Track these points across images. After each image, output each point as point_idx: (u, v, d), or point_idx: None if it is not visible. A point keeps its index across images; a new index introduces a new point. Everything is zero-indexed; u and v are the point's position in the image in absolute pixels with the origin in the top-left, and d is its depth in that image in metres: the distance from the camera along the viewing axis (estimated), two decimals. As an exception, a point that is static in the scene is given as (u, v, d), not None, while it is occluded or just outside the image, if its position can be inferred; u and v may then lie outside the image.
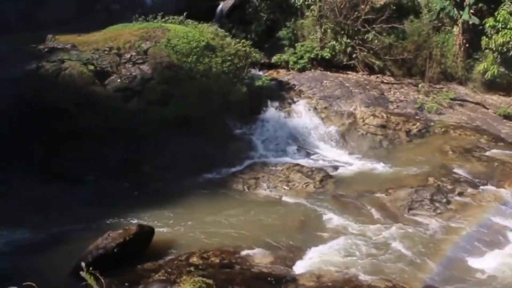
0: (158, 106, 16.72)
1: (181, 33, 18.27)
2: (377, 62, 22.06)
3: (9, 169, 14.59)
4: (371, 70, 22.36)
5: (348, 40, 22.08)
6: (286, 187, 15.19)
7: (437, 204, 13.68)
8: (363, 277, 10.46)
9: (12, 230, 12.48)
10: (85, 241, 11.42)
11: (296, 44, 22.60)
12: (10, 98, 15.39)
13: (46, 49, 17.20)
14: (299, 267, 10.90)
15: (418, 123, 18.94)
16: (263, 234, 12.42)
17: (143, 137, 16.00)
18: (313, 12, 22.56)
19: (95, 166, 15.32)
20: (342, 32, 22.20)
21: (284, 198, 14.68)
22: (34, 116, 15.18)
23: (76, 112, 15.61)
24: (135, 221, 12.62)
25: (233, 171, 16.24)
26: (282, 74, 21.75)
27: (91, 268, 6.84)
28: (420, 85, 21.38)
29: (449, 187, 14.51)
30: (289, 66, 22.18)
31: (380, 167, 16.72)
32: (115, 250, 10.70)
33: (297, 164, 16.44)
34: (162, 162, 15.90)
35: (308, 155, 17.65)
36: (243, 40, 20.37)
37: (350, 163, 17.15)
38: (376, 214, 13.53)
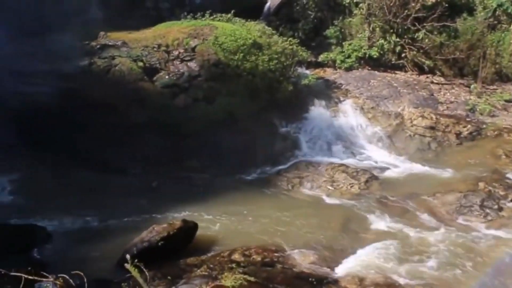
0: (205, 103, 16.93)
1: (229, 31, 18.38)
2: (427, 62, 21.51)
3: (62, 160, 15.28)
4: (420, 70, 21.82)
5: (397, 39, 21.63)
6: (330, 187, 15.06)
7: (487, 211, 13.20)
8: (406, 282, 10.24)
9: (63, 219, 13.00)
10: (131, 232, 11.74)
11: (343, 43, 22.33)
12: (65, 93, 16.04)
13: (98, 46, 17.77)
14: (341, 269, 10.79)
15: (469, 125, 18.33)
16: (305, 234, 12.38)
17: (189, 133, 16.26)
18: (361, 10, 22.23)
19: (143, 160, 15.72)
20: (391, 30, 21.76)
21: (328, 199, 14.57)
22: (86, 111, 15.74)
23: (125, 107, 16.04)
24: (179, 216, 12.81)
25: (278, 170, 16.27)
26: (328, 73, 21.55)
27: (136, 260, 7.02)
28: (472, 86, 20.68)
29: (502, 193, 13.96)
30: (336, 65, 21.94)
31: (427, 170, 16.30)
32: (159, 243, 10.92)
33: (342, 165, 16.27)
34: (207, 158, 16.12)
35: (353, 155, 17.44)
36: (290, 38, 20.31)
37: (396, 165, 16.82)
38: (422, 218, 13.21)
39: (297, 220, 13.17)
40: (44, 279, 5.61)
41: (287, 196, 14.83)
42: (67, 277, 6.19)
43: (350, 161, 16.98)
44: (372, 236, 12.31)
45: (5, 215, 13.05)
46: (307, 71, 21.29)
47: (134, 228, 12.15)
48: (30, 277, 4.71)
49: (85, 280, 6.37)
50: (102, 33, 18.81)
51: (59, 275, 6.42)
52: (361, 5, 22.21)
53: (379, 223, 12.86)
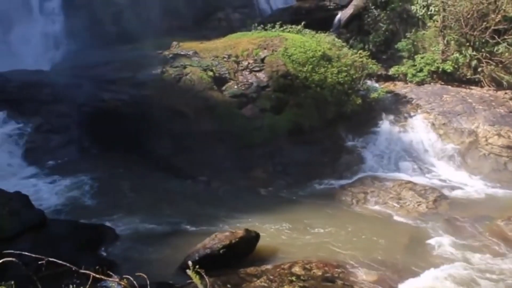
0: (272, 114, 17.04)
1: (298, 42, 18.43)
2: (506, 77, 20.37)
3: (134, 163, 15.93)
4: (498, 85, 20.71)
5: (474, 53, 20.70)
6: (396, 205, 14.62)
7: None
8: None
9: (130, 220, 13.50)
10: (194, 238, 11.99)
11: (415, 56, 21.68)
12: (138, 100, 16.76)
13: (170, 55, 18.42)
14: (404, 291, 10.42)
15: (551, 147, 17.17)
16: (368, 251, 12.06)
17: (255, 143, 16.42)
18: (436, 22, 21.51)
19: (209, 167, 16.03)
20: (467, 44, 20.88)
21: (393, 216, 14.13)
22: (158, 117, 16.35)
23: (194, 115, 16.48)
24: (242, 225, 12.91)
25: (343, 184, 16.01)
26: (399, 87, 20.99)
27: (197, 267, 7.13)
28: (556, 105, 19.38)
29: None
30: (407, 78, 21.33)
31: (502, 192, 15.43)
32: (221, 251, 11.05)
33: (410, 182, 15.74)
34: (272, 169, 16.19)
35: (422, 172, 16.82)
36: (360, 51, 20.04)
37: (468, 185, 16.03)
38: (493, 243, 12.46)
39: (360, 236, 12.88)
40: (109, 279, 5.81)
41: (351, 211, 14.55)
42: (131, 278, 6.37)
43: (418, 178, 16.39)
44: (437, 258, 11.79)
45: (77, 214, 13.77)
46: (377, 85, 20.85)
47: (197, 234, 12.41)
48: (97, 275, 4.90)
49: (148, 282, 6.53)
50: (174, 42, 19.49)
51: (124, 276, 6.63)
52: (435, 17, 21.50)
53: (446, 245, 12.28)
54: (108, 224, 13.14)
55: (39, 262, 4.44)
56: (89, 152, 17.83)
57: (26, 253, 4.83)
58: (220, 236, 11.43)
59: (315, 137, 17.02)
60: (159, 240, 12.53)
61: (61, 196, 15.03)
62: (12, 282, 4.61)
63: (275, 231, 13.00)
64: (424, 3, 21.66)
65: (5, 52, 20.94)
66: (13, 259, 4.51)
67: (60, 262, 4.36)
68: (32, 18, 22.27)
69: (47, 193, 15.20)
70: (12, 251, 4.83)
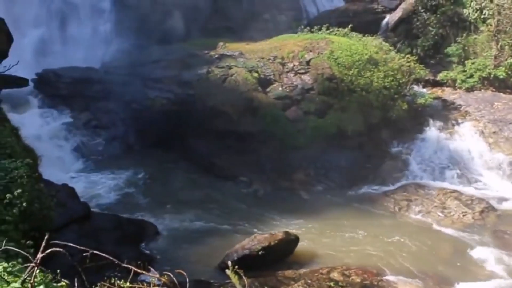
0: (316, 117, 16.92)
1: (345, 45, 18.23)
2: None
3: (177, 161, 16.19)
4: (556, 93, 19.82)
5: (530, 59, 19.88)
6: (440, 214, 14.21)
7: None
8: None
9: (172, 217, 13.75)
10: (233, 238, 12.09)
11: (466, 61, 21.01)
12: (183, 98, 17.02)
13: (216, 56, 18.59)
14: (446, 303, 10.12)
15: None
16: (409, 261, 11.79)
17: (298, 145, 16.35)
18: (489, 26, 20.77)
19: (250, 167, 16.09)
20: (523, 49, 20.07)
21: (437, 226, 13.75)
22: (202, 116, 16.55)
23: (238, 115, 16.56)
24: (281, 227, 12.89)
25: (385, 190, 15.72)
26: (447, 93, 20.40)
27: (236, 267, 7.16)
28: None
29: None
30: (456, 84, 20.70)
31: (556, 206, 14.74)
32: (259, 252, 11.07)
33: (455, 191, 15.28)
34: (314, 172, 16.07)
35: (468, 182, 16.27)
36: (407, 55, 19.60)
37: (518, 197, 15.40)
38: (544, 259, 11.93)
39: (401, 244, 12.61)
40: (150, 274, 5.91)
41: (393, 218, 14.26)
42: (171, 275, 6.47)
43: (464, 188, 15.88)
44: (483, 272, 11.39)
45: (120, 208, 14.13)
46: (424, 90, 20.35)
47: (236, 234, 12.49)
48: (139, 270, 4.99)
49: (187, 280, 6.61)
50: (221, 43, 19.65)
51: (164, 272, 6.73)
52: (489, 21, 20.76)
53: (492, 259, 11.84)
54: (149, 220, 13.40)
55: (84, 254, 4.56)
56: (133, 149, 18.27)
57: (72, 245, 4.97)
58: (259, 237, 11.45)
59: (358, 142, 16.79)
60: (198, 238, 12.68)
61: (105, 190, 15.46)
62: (58, 271, 4.75)
63: (314, 235, 12.91)
64: (478, 6, 20.97)
65: (58, 50, 21.73)
66: (61, 249, 4.65)
67: (104, 255, 4.47)
68: (84, 17, 22.97)
69: (92, 186, 15.67)
70: (58, 241, 4.98)
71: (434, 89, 20.78)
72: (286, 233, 11.77)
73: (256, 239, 11.41)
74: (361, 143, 16.95)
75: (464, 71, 20.69)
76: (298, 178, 15.95)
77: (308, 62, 17.93)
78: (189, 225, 13.49)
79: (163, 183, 15.63)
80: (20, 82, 15.83)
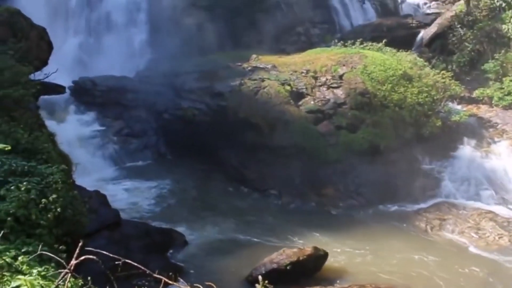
0: (347, 131, 16.77)
1: (378, 60, 18.07)
2: None
3: (207, 172, 16.26)
4: None
5: None
6: (474, 235, 13.81)
7: None
8: None
9: (200, 228, 13.79)
10: (261, 251, 12.00)
11: (503, 78, 20.48)
12: (215, 110, 17.13)
13: (249, 68, 18.69)
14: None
15: None
16: (440, 282, 11.49)
17: (329, 160, 16.21)
18: (529, 44, 20.29)
19: (280, 181, 16.02)
20: None
21: (471, 247, 13.37)
22: (233, 128, 16.60)
23: (269, 128, 16.54)
24: (310, 242, 12.74)
25: (417, 208, 15.40)
26: (483, 110, 19.90)
27: (266, 282, 7.09)
28: None
29: None
30: (493, 102, 20.19)
31: None
32: (288, 267, 10.97)
33: (491, 212, 14.85)
34: (345, 187, 15.88)
35: (505, 203, 15.80)
36: (442, 71, 19.29)
37: (558, 220, 14.84)
38: None
39: (433, 265, 12.30)
40: (181, 286, 5.90)
41: (424, 237, 13.94)
42: (201, 287, 6.44)
43: (500, 208, 15.42)
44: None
45: (150, 217, 14.23)
46: (459, 107, 19.92)
47: (265, 247, 12.40)
48: (170, 282, 4.98)
49: (217, 292, 6.57)
50: (254, 55, 19.75)
51: (194, 284, 6.71)
52: (529, 38, 20.30)
53: (531, 284, 11.44)
54: (178, 229, 13.45)
55: (116, 262, 4.58)
56: (164, 158, 18.47)
57: (105, 252, 5.01)
58: (288, 252, 11.35)
59: (390, 158, 16.52)
60: (226, 249, 12.65)
61: (135, 198, 15.64)
62: (89, 278, 4.78)
63: (344, 251, 12.72)
64: (517, 22, 20.52)
65: (94, 58, 22.24)
66: (94, 257, 4.68)
67: (136, 264, 4.48)
68: (121, 28, 23.48)
69: (123, 193, 15.87)
70: (91, 248, 5.02)
71: (470, 106, 20.31)
72: (315, 248, 11.63)
73: (284, 254, 11.31)
74: (393, 159, 16.67)
75: (502, 88, 20.17)
76: (328, 193, 15.79)
77: (341, 77, 17.82)
78: (217, 236, 13.49)
79: (192, 193, 15.73)
80: (58, 89, 16.27)
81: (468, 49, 22.07)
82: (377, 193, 15.66)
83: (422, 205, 15.54)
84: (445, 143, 17.69)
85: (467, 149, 17.56)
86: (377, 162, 16.24)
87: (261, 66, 18.74)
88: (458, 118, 18.28)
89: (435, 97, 17.88)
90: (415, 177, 16.45)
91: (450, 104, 19.18)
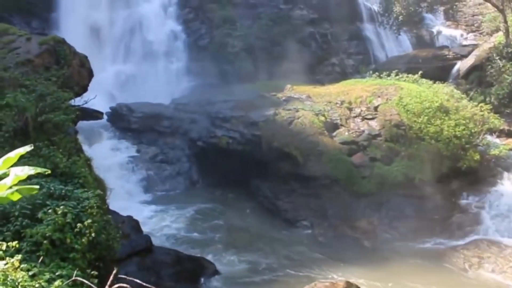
0: (382, 163, 16.49)
1: (414, 92, 17.86)
2: None
3: (239, 201, 16.20)
4: None
5: None
6: (516, 275, 13.21)
7: None
8: None
9: (232, 257, 13.72)
10: (292, 283, 11.85)
11: (545, 112, 19.95)
12: (249, 139, 17.18)
13: (284, 98, 18.78)
14: None
15: None
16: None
17: (362, 192, 15.94)
18: None
19: (312, 212, 15.83)
20: None
21: (512, 288, 12.78)
22: (266, 157, 16.58)
23: (303, 158, 16.43)
24: (343, 275, 12.44)
25: (454, 244, 14.86)
26: (524, 144, 19.32)
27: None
28: None
29: None
30: (534, 136, 19.62)
31: None
32: (320, 301, 10.66)
33: (533, 251, 14.20)
34: (378, 220, 15.53)
35: (549, 242, 15.10)
36: (481, 104, 18.87)
37: None
38: None
39: (472, 306, 11.80)
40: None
41: (462, 275, 13.41)
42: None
43: (543, 248, 14.73)
44: None
45: (181, 244, 14.21)
46: (498, 140, 19.37)
47: (296, 280, 12.18)
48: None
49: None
50: (288, 85, 19.85)
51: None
52: None
53: None
54: (208, 258, 13.37)
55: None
56: (196, 185, 18.58)
57: (138, 281, 4.99)
58: (319, 285, 11.04)
59: (426, 192, 16.10)
60: (256, 281, 12.50)
61: (167, 224, 15.67)
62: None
63: (377, 287, 12.33)
64: (560, 55, 20.03)
65: (132, 85, 22.82)
66: (127, 286, 4.67)
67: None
68: (159, 55, 24.10)
69: (155, 219, 15.95)
70: (123, 276, 5.02)
71: (510, 140, 19.74)
72: (348, 283, 11.28)
73: (316, 287, 11.03)
74: (428, 193, 16.24)
75: (543, 122, 19.62)
76: (361, 225, 15.46)
77: (376, 108, 17.67)
78: (248, 266, 13.33)
79: (224, 222, 15.67)
80: (96, 115, 16.71)
81: (508, 81, 21.59)
82: (412, 227, 15.23)
83: (460, 242, 14.99)
84: (484, 178, 17.16)
85: (507, 185, 16.96)
86: (412, 195, 15.86)
87: (295, 96, 18.80)
88: (498, 152, 17.76)
89: (473, 130, 17.45)
90: (452, 212, 15.97)
91: (489, 138, 18.67)
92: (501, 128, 19.67)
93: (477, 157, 16.99)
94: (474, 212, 16.13)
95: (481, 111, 18.21)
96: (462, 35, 27.76)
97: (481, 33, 26.96)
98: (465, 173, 16.86)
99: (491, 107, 19.12)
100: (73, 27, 22.10)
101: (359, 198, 15.82)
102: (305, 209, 15.83)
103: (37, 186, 2.87)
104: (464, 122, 17.34)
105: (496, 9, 22.46)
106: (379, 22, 26.37)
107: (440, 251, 14.64)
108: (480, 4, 26.17)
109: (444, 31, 27.86)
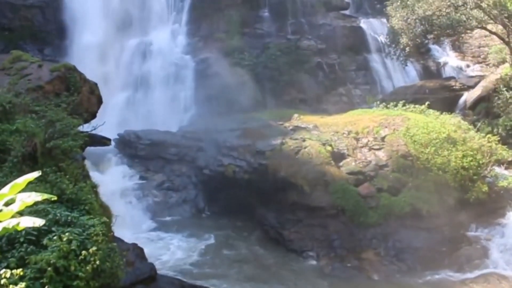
0: (389, 194, 16.37)
1: (421, 122, 17.86)
2: None
3: (245, 230, 16.06)
4: None
5: None
6: (527, 311, 12.90)
7: None
8: None
9: (236, 288, 13.45)
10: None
11: (554, 145, 19.81)
12: (256, 168, 17.16)
13: (291, 127, 18.85)
14: None
15: None
16: None
17: (369, 223, 15.78)
18: None
19: (319, 242, 15.65)
20: None
21: (524, 324, 12.45)
22: (273, 187, 16.52)
23: (309, 188, 16.35)
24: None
25: (463, 278, 14.56)
26: (533, 176, 19.14)
27: None
28: None
29: None
30: (543, 168, 19.44)
31: None
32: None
33: (544, 286, 13.89)
34: (385, 252, 15.31)
35: (561, 277, 14.77)
36: (488, 135, 18.80)
37: None
38: None
39: None
40: None
41: (472, 311, 13.12)
42: None
43: (555, 283, 14.42)
44: None
45: (184, 272, 14.04)
46: (506, 172, 19.19)
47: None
48: None
49: None
50: (295, 115, 19.93)
51: None
52: None
53: None
54: (212, 287, 13.17)
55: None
56: (202, 213, 18.51)
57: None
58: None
59: (433, 223, 15.91)
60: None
61: (172, 253, 15.54)
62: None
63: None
64: None
65: (140, 112, 23.03)
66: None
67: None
68: (167, 83, 24.37)
69: (159, 247, 15.83)
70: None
71: (518, 172, 19.61)
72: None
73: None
74: (436, 224, 16.04)
75: (552, 153, 19.45)
76: (368, 257, 15.25)
77: (383, 138, 17.65)
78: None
79: (229, 251, 15.52)
80: (104, 141, 16.80)
81: (515, 112, 21.61)
82: (420, 259, 15.00)
83: (468, 275, 14.69)
84: (493, 210, 16.95)
85: (516, 217, 16.76)
86: (420, 227, 15.67)
87: (302, 125, 18.85)
88: (506, 184, 17.58)
89: (480, 162, 17.33)
90: (460, 245, 15.72)
91: (497, 169, 18.53)
92: (509, 159, 19.54)
93: (485, 188, 16.83)
94: (483, 245, 15.86)
95: (489, 142, 18.12)
96: (468, 66, 27.89)
97: (487, 65, 27.09)
98: (473, 205, 16.67)
99: (499, 138, 19.04)
100: (84, 54, 22.50)
101: (366, 229, 15.65)
102: (311, 239, 15.66)
103: (42, 222, 2.87)
104: (471, 153, 17.25)
105: (502, 41, 22.63)
106: (386, 53, 26.60)
107: (449, 284, 14.35)
108: (485, 36, 26.37)
109: (450, 62, 28.04)
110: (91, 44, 23.45)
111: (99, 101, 15.19)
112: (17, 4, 24.24)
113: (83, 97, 14.46)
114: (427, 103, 19.85)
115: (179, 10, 26.01)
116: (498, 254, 15.50)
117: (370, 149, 17.44)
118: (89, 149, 15.15)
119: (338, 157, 17.20)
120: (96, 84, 15.26)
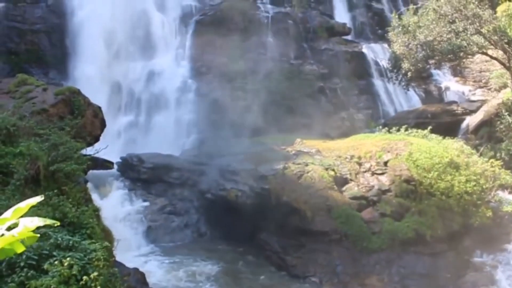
0: (392, 219, 16.26)
1: (424, 147, 17.85)
2: None
3: (247, 255, 15.90)
4: None
5: None
6: None
7: None
8: None
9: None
10: None
11: (559, 167, 19.72)
12: (258, 192, 17.10)
13: (293, 152, 18.82)
14: None
15: None
16: None
17: (372, 248, 15.64)
18: None
19: (321, 268, 15.47)
20: None
21: None
22: (275, 212, 16.42)
23: (312, 213, 16.25)
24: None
25: (469, 306, 14.36)
26: (539, 201, 18.99)
27: None
28: None
29: None
30: (550, 192, 19.31)
31: None
32: None
33: (552, 314, 13.66)
34: (389, 277, 15.11)
35: None
36: (491, 160, 18.76)
37: None
38: None
39: None
40: None
41: None
42: None
43: None
44: None
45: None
46: (510, 197, 19.11)
47: None
48: None
49: None
50: (298, 139, 19.95)
51: None
52: None
53: None
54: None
55: None
56: (204, 238, 18.35)
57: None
58: None
59: (437, 249, 15.78)
60: None
61: (172, 277, 15.38)
62: None
63: None
64: None
65: (143, 136, 23.10)
66: None
67: None
68: (170, 107, 24.51)
69: (161, 271, 15.67)
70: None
71: (528, 197, 19.46)
72: None
73: None
74: (440, 250, 15.91)
75: (557, 177, 19.34)
76: (371, 282, 15.05)
77: (385, 163, 17.62)
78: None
79: (231, 276, 15.34)
80: (106, 164, 16.84)
81: (517, 136, 21.59)
82: (424, 285, 14.80)
83: (474, 303, 14.51)
84: (497, 235, 16.80)
85: (523, 242, 16.59)
86: (424, 252, 15.52)
87: (305, 150, 18.84)
88: (510, 209, 17.49)
89: (484, 186, 17.27)
90: (465, 271, 15.52)
91: (501, 194, 18.45)
92: (513, 184, 19.46)
93: (489, 213, 16.73)
94: (489, 271, 15.67)
95: (492, 166, 18.08)
96: (470, 91, 28.03)
97: (489, 89, 27.22)
98: (478, 230, 16.54)
99: (502, 162, 18.99)
100: (88, 78, 22.72)
101: (369, 254, 15.50)
102: (314, 265, 15.49)
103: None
104: (475, 178, 17.19)
105: (503, 66, 22.78)
106: (388, 78, 26.78)
107: (454, 312, 14.16)
108: (486, 61, 26.56)
109: (452, 86, 28.20)
110: (94, 68, 23.70)
111: (103, 124, 15.28)
112: (24, 29, 24.59)
113: (87, 120, 14.56)
114: (429, 127, 19.89)
115: (183, 35, 26.32)
116: (504, 281, 15.28)
117: (373, 173, 17.40)
118: (92, 172, 15.15)
119: (340, 181, 17.15)
120: (100, 107, 15.36)
